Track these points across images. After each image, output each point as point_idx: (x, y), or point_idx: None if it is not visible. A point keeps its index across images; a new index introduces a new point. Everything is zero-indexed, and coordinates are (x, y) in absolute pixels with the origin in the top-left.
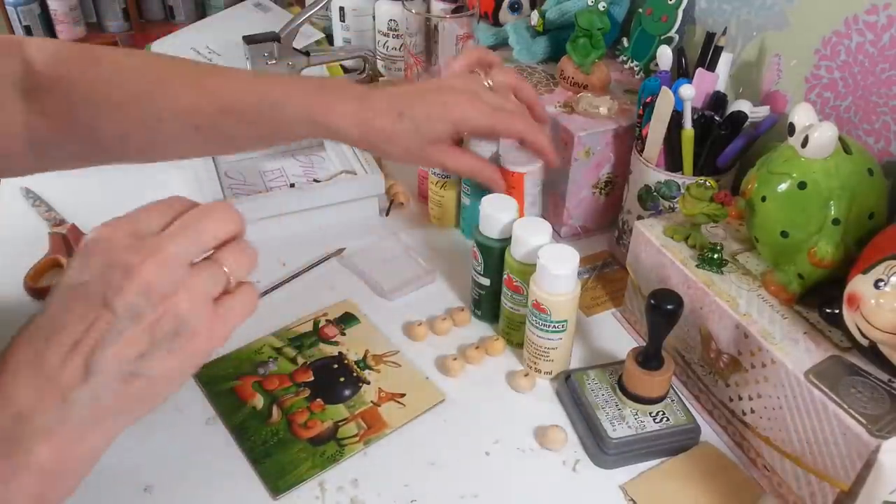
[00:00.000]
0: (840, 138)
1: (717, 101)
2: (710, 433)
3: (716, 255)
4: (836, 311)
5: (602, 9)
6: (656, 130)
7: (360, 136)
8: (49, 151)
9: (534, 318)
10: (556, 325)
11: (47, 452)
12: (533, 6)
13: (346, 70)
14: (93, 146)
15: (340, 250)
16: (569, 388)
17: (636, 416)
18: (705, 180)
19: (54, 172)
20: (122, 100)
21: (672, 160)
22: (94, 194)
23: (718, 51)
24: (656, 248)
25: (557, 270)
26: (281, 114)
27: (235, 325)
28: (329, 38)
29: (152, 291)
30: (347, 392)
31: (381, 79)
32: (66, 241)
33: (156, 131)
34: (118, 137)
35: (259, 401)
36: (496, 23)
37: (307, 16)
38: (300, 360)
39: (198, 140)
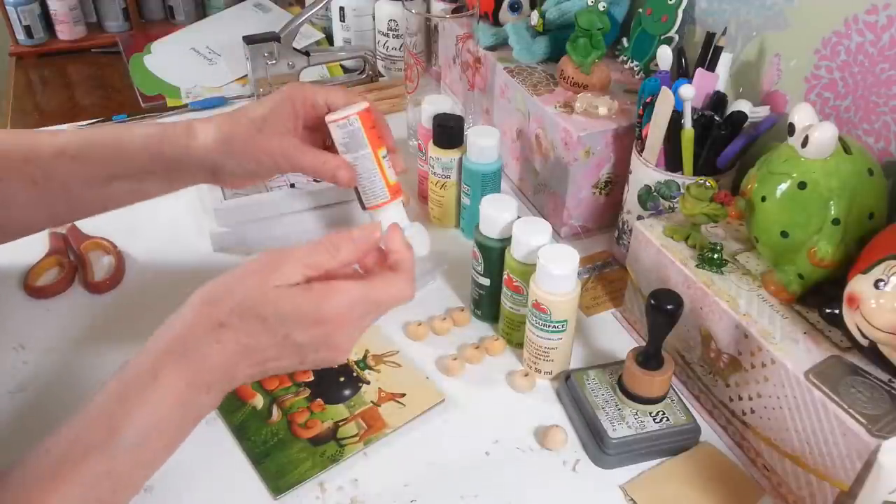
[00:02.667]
0: (840, 138)
1: (717, 101)
2: (710, 433)
3: (716, 255)
4: (836, 311)
5: (602, 9)
6: (656, 130)
7: (213, 162)
8: None
9: (534, 318)
10: (556, 325)
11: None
12: (533, 6)
13: (346, 70)
14: None
15: None
16: (569, 388)
17: (636, 416)
18: (705, 180)
19: None
20: None
21: (672, 160)
22: None
23: (718, 51)
24: (656, 248)
25: (557, 270)
26: (118, 146)
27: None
28: (329, 38)
29: (342, 351)
30: (347, 392)
31: (381, 79)
32: (66, 240)
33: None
34: None
35: (259, 401)
36: (496, 23)
37: (307, 16)
38: None
39: (37, 196)
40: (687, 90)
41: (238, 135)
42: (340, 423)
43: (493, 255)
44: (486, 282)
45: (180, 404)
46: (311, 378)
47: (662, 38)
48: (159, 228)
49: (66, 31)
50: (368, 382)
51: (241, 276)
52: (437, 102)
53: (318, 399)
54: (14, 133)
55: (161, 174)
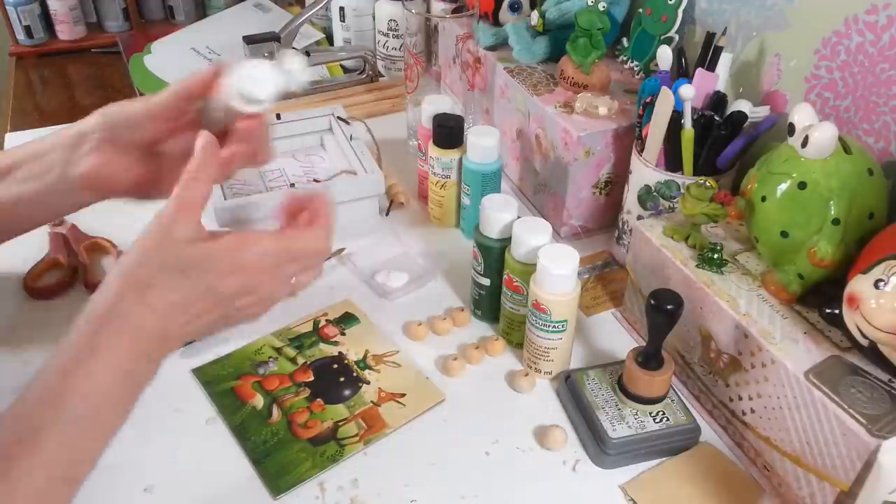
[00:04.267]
0: (840, 138)
1: (717, 101)
2: (710, 433)
3: (716, 255)
4: (836, 311)
5: (602, 9)
6: (656, 130)
7: None
8: None
9: (534, 318)
10: (556, 325)
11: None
12: (533, 6)
13: (346, 70)
14: None
15: (340, 250)
16: (569, 388)
17: (636, 416)
18: (705, 180)
19: None
20: None
21: (672, 160)
22: None
23: (718, 51)
24: (656, 248)
25: (557, 270)
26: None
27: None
28: (329, 38)
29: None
30: (347, 392)
31: (381, 79)
32: (66, 240)
33: None
34: None
35: (259, 401)
36: (496, 23)
37: (307, 16)
38: (300, 360)
39: None
40: (687, 90)
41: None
42: (340, 423)
43: (493, 255)
44: (486, 282)
45: (124, 372)
46: (312, 378)
47: (662, 38)
48: None
49: (66, 31)
50: (368, 382)
51: (150, 240)
52: (437, 102)
53: (318, 399)
54: None
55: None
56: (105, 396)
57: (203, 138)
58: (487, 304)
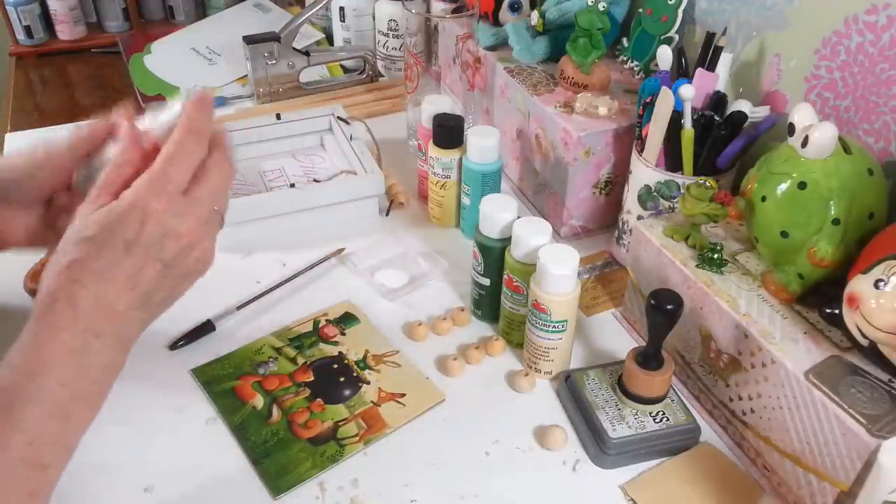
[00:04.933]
0: (840, 138)
1: (717, 101)
2: (710, 433)
3: (716, 255)
4: (836, 311)
5: (602, 9)
6: (656, 130)
7: None
8: None
9: (534, 318)
10: (556, 325)
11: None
12: (533, 6)
13: (346, 70)
14: None
15: (340, 250)
16: (569, 388)
17: (636, 416)
18: (705, 180)
19: None
20: None
21: (672, 160)
22: None
23: (718, 51)
24: (656, 248)
25: (557, 270)
26: None
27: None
28: (329, 38)
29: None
30: (347, 392)
31: (381, 79)
32: None
33: None
34: None
35: (259, 401)
36: (496, 23)
37: (307, 16)
38: (300, 360)
39: None
40: (687, 90)
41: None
42: (340, 423)
43: (493, 255)
44: (486, 282)
45: (68, 349)
46: (312, 378)
47: (662, 38)
48: None
49: (66, 31)
50: (368, 382)
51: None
52: (437, 102)
53: (318, 399)
54: None
55: None
56: (59, 379)
57: (123, 127)
58: (487, 304)
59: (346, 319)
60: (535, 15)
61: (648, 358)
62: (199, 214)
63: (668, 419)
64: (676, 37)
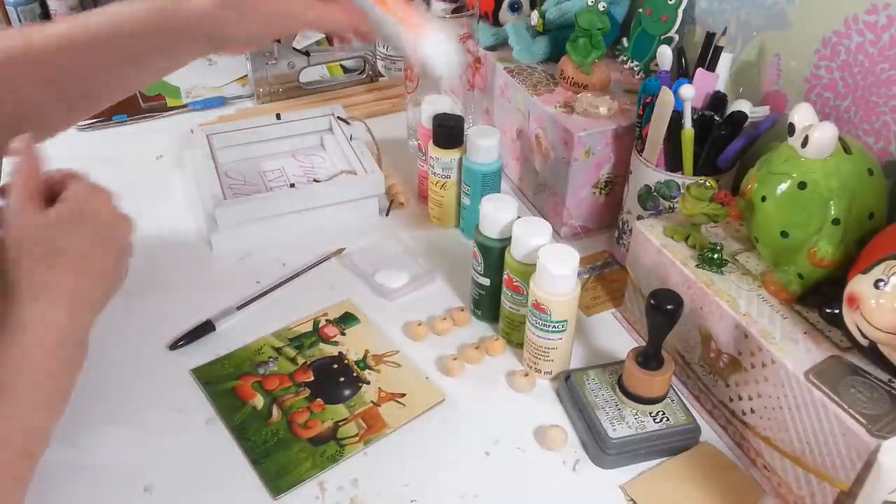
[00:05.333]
0: (840, 138)
1: (717, 101)
2: (710, 433)
3: (716, 255)
4: (836, 311)
5: (602, 9)
6: (656, 130)
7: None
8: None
9: (534, 318)
10: (556, 325)
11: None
12: (533, 6)
13: (346, 70)
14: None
15: (340, 250)
16: (569, 388)
17: (636, 416)
18: (705, 180)
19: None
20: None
21: (672, 160)
22: None
23: (718, 51)
24: (656, 248)
25: (557, 270)
26: (119, 25)
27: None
28: (329, 39)
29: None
30: (347, 392)
31: (381, 79)
32: None
33: (17, 108)
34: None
35: (259, 401)
36: (496, 23)
37: None
38: (300, 360)
39: (52, 96)
40: (687, 90)
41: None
42: (340, 423)
43: (493, 255)
44: (486, 282)
45: (55, 349)
46: (312, 378)
47: (662, 38)
48: (159, 228)
49: None
50: (368, 382)
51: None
52: (437, 102)
53: (318, 399)
54: (16, 34)
55: (165, 50)
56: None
57: (19, 142)
58: (487, 304)
59: (346, 319)
60: (535, 15)
61: (648, 358)
62: (96, 197)
63: (668, 419)
64: (676, 37)
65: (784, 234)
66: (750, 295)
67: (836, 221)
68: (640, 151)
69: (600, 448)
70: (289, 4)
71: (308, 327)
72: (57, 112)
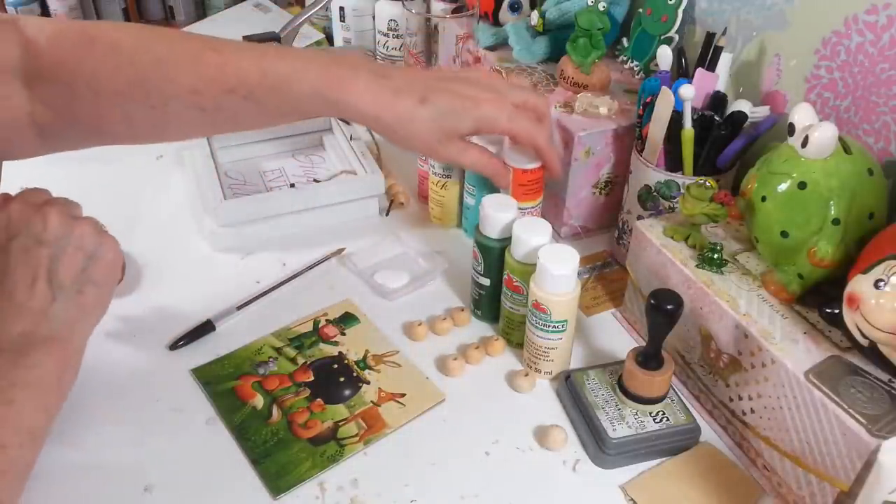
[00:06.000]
0: (840, 138)
1: (717, 101)
2: (710, 433)
3: (716, 255)
4: (836, 311)
5: (602, 9)
6: (656, 130)
7: (376, 116)
8: (55, 137)
9: (534, 318)
10: (556, 325)
11: (53, 349)
12: (533, 6)
13: None
14: (98, 132)
15: (340, 250)
16: (569, 388)
17: (636, 416)
18: (705, 180)
19: (54, 171)
20: (122, 87)
21: (672, 160)
22: (94, 194)
23: (718, 51)
24: (656, 248)
25: (557, 270)
26: (289, 91)
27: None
28: (329, 38)
29: (65, 224)
30: (347, 392)
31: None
32: None
33: (160, 114)
34: (123, 123)
35: (259, 401)
36: (496, 23)
37: (307, 16)
38: (300, 360)
39: (204, 121)
40: (687, 90)
41: (392, 126)
42: (340, 423)
43: (493, 255)
44: (486, 282)
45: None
46: (312, 378)
47: (662, 38)
48: (159, 228)
49: None
50: (368, 382)
51: None
52: None
53: (318, 399)
54: (182, 50)
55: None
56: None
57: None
58: (487, 304)
59: (346, 319)
60: (535, 15)
61: (648, 358)
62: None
63: (668, 419)
64: (676, 37)
65: (784, 234)
66: (750, 295)
67: (836, 221)
68: (640, 151)
69: (600, 448)
70: (445, 152)
71: (308, 327)
72: (197, 131)
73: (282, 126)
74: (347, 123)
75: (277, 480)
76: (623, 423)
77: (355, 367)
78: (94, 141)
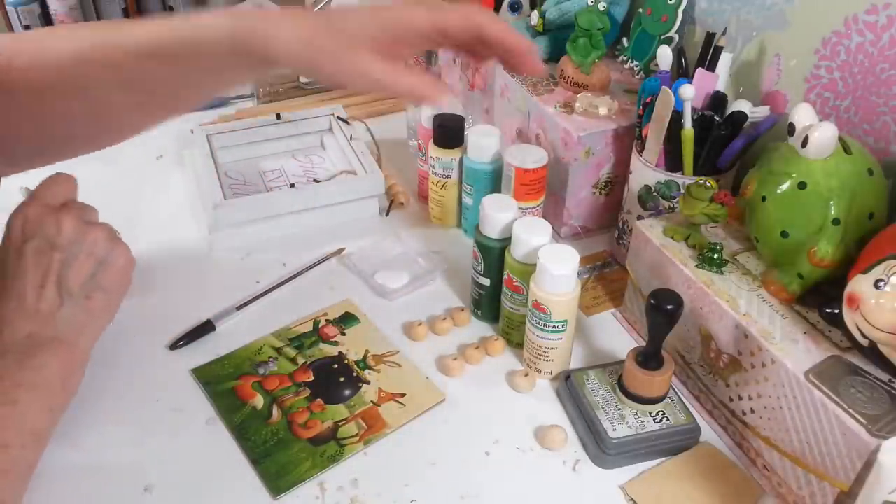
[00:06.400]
0: (840, 138)
1: (717, 101)
2: (710, 433)
3: (716, 255)
4: (836, 311)
5: (602, 9)
6: (656, 130)
7: (297, 47)
8: (5, 156)
9: (534, 318)
10: (556, 325)
11: (59, 352)
12: (533, 6)
13: None
14: (44, 145)
15: (340, 250)
16: (569, 388)
17: (636, 416)
18: (705, 180)
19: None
20: (50, 92)
21: (672, 160)
22: (94, 194)
23: (718, 51)
24: (656, 248)
25: (557, 270)
26: (200, 41)
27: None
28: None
29: (79, 229)
30: (347, 392)
31: None
32: None
33: (92, 109)
34: (64, 135)
35: (259, 401)
36: None
37: None
38: (300, 360)
39: (129, 102)
40: (687, 90)
41: (323, 48)
42: (340, 423)
43: (493, 255)
44: (486, 282)
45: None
46: (312, 378)
47: (662, 38)
48: (159, 227)
49: None
50: (368, 382)
51: None
52: None
53: (318, 399)
54: (95, 33)
55: (241, 70)
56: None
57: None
58: (487, 304)
59: (346, 319)
60: (535, 15)
61: (648, 358)
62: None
63: (668, 419)
64: (676, 37)
65: (784, 234)
66: (750, 295)
67: (836, 221)
68: (640, 151)
69: (600, 448)
70: (376, 76)
71: (308, 327)
72: (134, 117)
73: (282, 126)
74: (347, 123)
75: (277, 480)
76: (623, 423)
77: (355, 367)
78: (43, 156)
